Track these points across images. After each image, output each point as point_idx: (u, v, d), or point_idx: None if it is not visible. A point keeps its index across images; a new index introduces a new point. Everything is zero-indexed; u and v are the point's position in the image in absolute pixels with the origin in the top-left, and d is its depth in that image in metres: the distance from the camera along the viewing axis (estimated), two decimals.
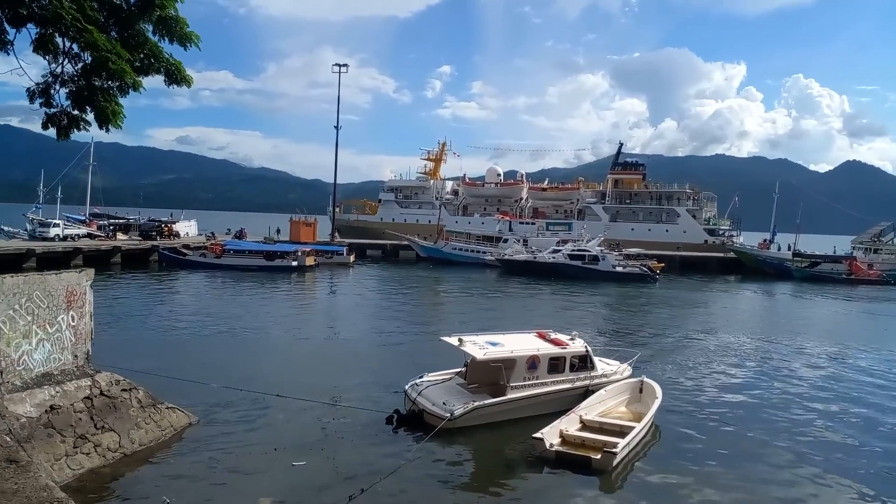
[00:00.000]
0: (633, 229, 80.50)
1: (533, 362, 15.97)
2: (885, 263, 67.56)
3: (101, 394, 12.38)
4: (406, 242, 72.71)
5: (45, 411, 11.19)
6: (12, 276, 11.56)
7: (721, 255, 75.14)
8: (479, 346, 15.64)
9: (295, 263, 52.37)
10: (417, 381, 16.18)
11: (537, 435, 13.37)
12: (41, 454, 10.31)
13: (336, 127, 73.83)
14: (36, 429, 10.84)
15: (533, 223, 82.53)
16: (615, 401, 16.65)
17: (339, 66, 72.31)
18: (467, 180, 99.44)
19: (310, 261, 54.18)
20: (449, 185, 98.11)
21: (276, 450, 12.99)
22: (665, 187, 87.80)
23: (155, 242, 57.21)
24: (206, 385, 15.81)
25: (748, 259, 71.41)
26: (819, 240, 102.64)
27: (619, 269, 57.30)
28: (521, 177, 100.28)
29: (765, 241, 76.86)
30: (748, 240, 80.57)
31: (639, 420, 15.08)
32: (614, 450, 12.93)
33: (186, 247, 57.21)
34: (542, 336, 17.50)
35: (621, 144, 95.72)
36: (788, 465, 13.78)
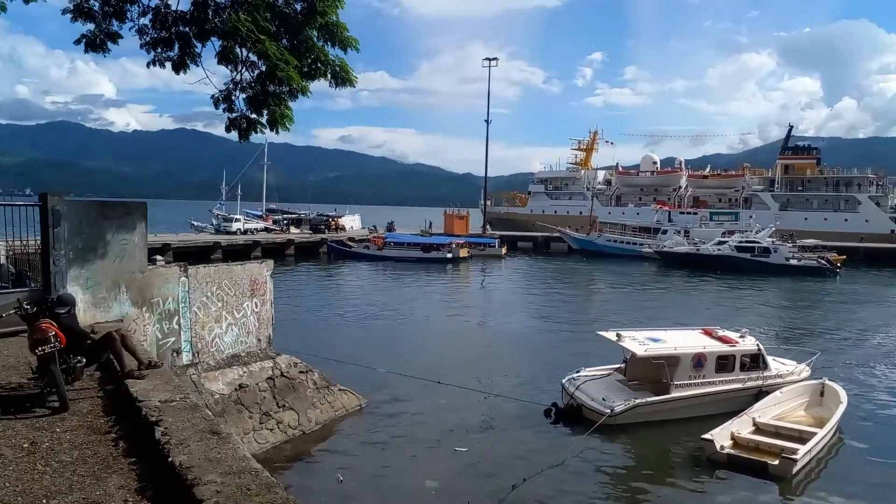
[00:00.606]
0: (806, 219, 73.58)
1: (699, 360, 15.22)
2: None
3: (282, 375, 13.47)
4: (557, 234, 71.83)
5: (235, 389, 12.37)
6: (205, 267, 12.86)
7: None
8: (640, 342, 15.16)
9: (449, 255, 53.68)
10: (575, 375, 15.97)
11: (707, 436, 12.72)
12: (233, 428, 11.42)
13: (486, 121, 74.60)
14: (227, 405, 12.02)
15: (694, 213, 78.12)
16: (793, 404, 15.47)
17: (489, 60, 72.96)
18: (620, 169, 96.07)
19: (463, 253, 55.29)
20: (601, 174, 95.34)
21: (440, 434, 13.43)
22: (843, 172, 79.37)
23: (324, 235, 61.26)
24: (373, 370, 16.67)
25: None
26: None
27: (793, 261, 52.68)
28: (680, 164, 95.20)
29: None
30: None
31: (820, 426, 13.91)
32: (794, 456, 12.03)
33: (351, 239, 60.59)
34: (708, 333, 16.62)
35: (791, 127, 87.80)
36: None
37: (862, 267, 58.64)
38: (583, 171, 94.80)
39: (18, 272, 10.40)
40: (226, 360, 12.78)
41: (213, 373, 12.28)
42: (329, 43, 10.07)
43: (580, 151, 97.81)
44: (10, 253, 11.70)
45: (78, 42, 10.20)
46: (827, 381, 16.18)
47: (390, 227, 70.60)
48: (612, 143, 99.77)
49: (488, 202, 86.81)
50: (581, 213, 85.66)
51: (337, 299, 33.11)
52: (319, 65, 10.20)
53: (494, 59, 73.23)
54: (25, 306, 6.75)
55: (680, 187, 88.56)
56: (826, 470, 12.62)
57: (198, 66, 10.19)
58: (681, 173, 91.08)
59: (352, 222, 73.74)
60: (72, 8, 9.86)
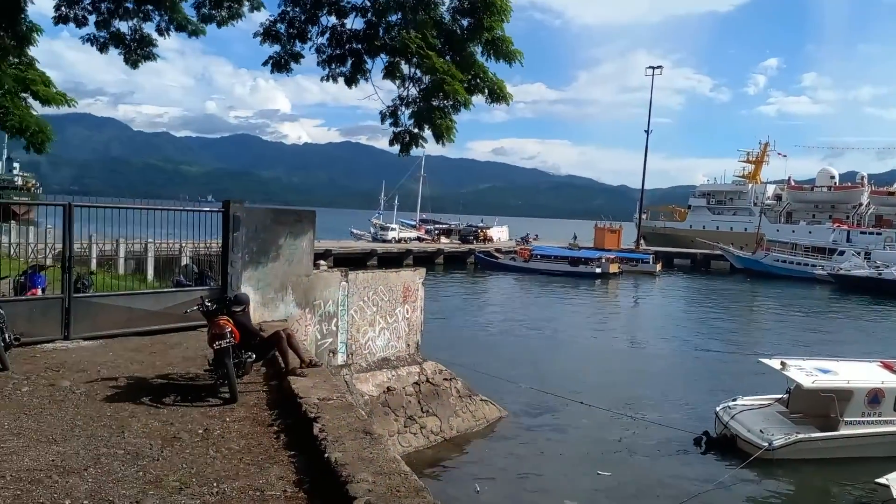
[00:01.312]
0: None
1: (875, 396, 13.81)
2: None
3: (427, 381, 13.90)
4: (719, 252, 67.75)
5: (383, 392, 12.95)
6: (363, 273, 13.62)
7: None
8: (807, 373, 14.00)
9: (598, 270, 52.44)
10: (731, 403, 15.08)
11: (881, 480, 11.44)
12: (380, 429, 11.99)
13: (647, 131, 72.14)
14: (375, 406, 12.62)
15: (878, 233, 70.35)
16: None
17: (653, 68, 70.77)
18: (793, 183, 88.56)
19: (613, 268, 53.76)
20: (770, 189, 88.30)
21: (581, 454, 13.21)
22: None
23: (472, 246, 62.37)
24: (515, 384, 16.72)
25: None
26: None
27: None
28: (862, 179, 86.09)
29: None
30: None
31: None
32: None
33: (498, 251, 61.12)
34: (888, 367, 15.02)
35: None
36: None
37: None
38: (750, 185, 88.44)
39: (201, 272, 11.55)
40: (376, 363, 13.42)
41: (364, 374, 12.94)
42: (494, 57, 10.36)
43: (748, 163, 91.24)
44: (194, 254, 13.08)
45: (265, 63, 11.34)
46: None
47: (525, 239, 70.32)
48: (784, 156, 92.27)
49: (644, 216, 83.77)
50: (746, 229, 79.98)
51: (482, 310, 33.55)
52: (479, 80, 10.53)
53: (659, 67, 71.01)
54: (207, 303, 7.50)
55: (861, 204, 79.96)
56: None
57: (367, 81, 10.95)
58: (862, 189, 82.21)
59: (500, 234, 74.35)
60: (261, 31, 11.00)
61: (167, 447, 5.42)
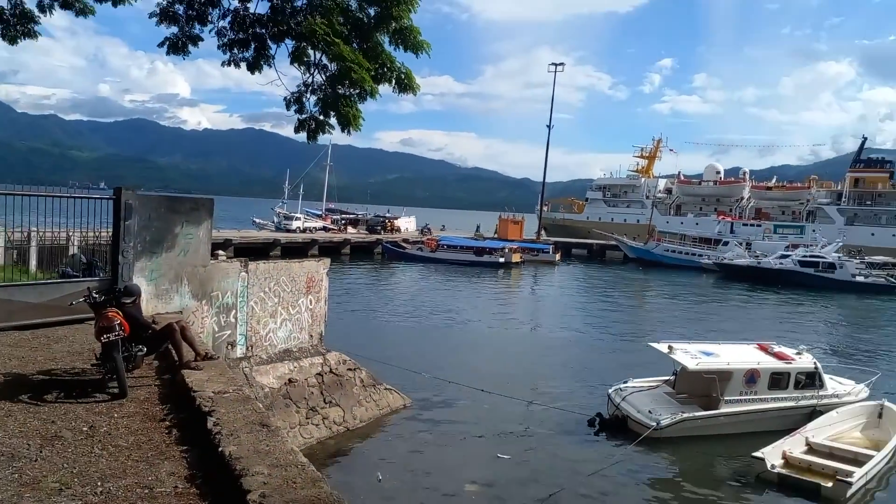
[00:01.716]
0: (873, 234, 70.39)
1: (752, 376, 14.91)
2: None
3: (331, 371, 13.81)
4: (613, 242, 70.91)
5: (285, 384, 12.76)
6: (264, 263, 13.31)
7: None
8: (692, 355, 14.92)
9: (502, 260, 53.69)
10: (622, 385, 15.84)
11: (757, 454, 12.45)
12: (280, 422, 11.80)
13: (548, 126, 74.21)
14: (276, 398, 12.41)
15: (758, 225, 75.72)
16: (848, 425, 14.98)
17: (556, 65, 72.77)
18: (682, 178, 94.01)
19: (516, 258, 55.24)
20: (661, 183, 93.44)
21: (482, 440, 13.53)
22: None
23: (379, 236, 62.16)
24: (419, 373, 16.90)
25: None
26: None
27: (859, 278, 50.69)
28: (744, 175, 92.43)
29: None
30: None
31: (877, 448, 13.46)
32: (849, 479, 11.70)
33: (406, 241, 61.27)
34: (763, 349, 16.25)
35: (864, 139, 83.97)
36: None
37: None
38: (643, 179, 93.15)
39: (89, 262, 10.94)
40: (278, 355, 13.19)
41: (264, 366, 12.69)
42: (401, 47, 10.32)
43: (642, 159, 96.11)
44: (83, 243, 12.36)
45: (161, 45, 10.78)
46: (886, 403, 15.60)
47: (426, 230, 70.85)
48: (675, 152, 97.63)
49: (545, 208, 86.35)
50: (638, 221, 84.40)
51: (388, 300, 33.58)
52: (386, 70, 10.47)
53: (561, 64, 73.06)
54: (94, 295, 7.12)
55: (743, 198, 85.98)
56: (882, 495, 12.22)
57: (270, 67, 10.64)
58: (744, 184, 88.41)
59: (407, 224, 74.51)
60: (158, 12, 10.45)
61: (47, 447, 5.12)
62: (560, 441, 13.83)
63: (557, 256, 61.64)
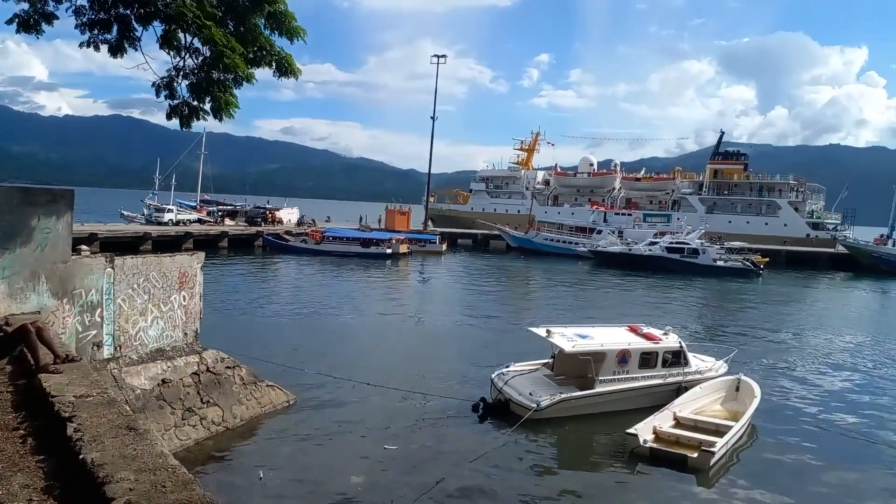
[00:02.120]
0: (730, 221, 76.88)
1: (623, 356, 15.75)
2: None
3: (208, 370, 13.26)
4: (497, 232, 72.80)
5: (158, 384, 12.12)
6: (132, 258, 12.55)
7: (831, 250, 70.50)
8: (568, 339, 15.56)
9: (389, 251, 53.64)
10: (504, 370, 16.27)
11: (631, 430, 13.19)
12: (153, 424, 11.20)
13: (432, 118, 74.70)
14: (149, 400, 11.77)
15: (629, 214, 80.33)
16: (710, 399, 16.17)
17: (438, 57, 73.03)
18: (558, 170, 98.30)
19: (403, 249, 55.37)
20: (540, 175, 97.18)
21: (368, 432, 13.47)
22: (766, 178, 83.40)
23: (260, 228, 60.18)
24: (302, 369, 16.61)
25: (862, 255, 66.44)
26: None
27: (720, 263, 55.06)
28: (615, 167, 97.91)
29: (882, 236, 71.42)
30: (862, 235, 75.00)
31: (735, 419, 14.60)
32: (712, 449, 12.62)
33: (288, 233, 59.72)
34: (633, 330, 17.20)
35: (722, 133, 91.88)
36: (890, 472, 12.99)
37: (783, 268, 61.71)
38: (523, 171, 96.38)
39: None
40: (149, 355, 12.50)
41: (135, 367, 12.00)
42: (276, 32, 10.00)
43: (522, 151, 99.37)
44: None
45: (10, 22, 9.79)
46: (742, 377, 16.90)
47: (301, 222, 69.44)
48: (552, 145, 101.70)
49: (431, 199, 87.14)
50: (519, 211, 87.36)
51: (271, 294, 32.66)
52: (264, 53, 10.11)
53: (443, 56, 73.37)
54: None
55: (614, 189, 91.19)
56: (740, 461, 13.26)
57: (136, 50, 9.94)
58: (615, 175, 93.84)
59: (290, 215, 72.69)
60: None
61: None
62: (446, 428, 14.02)
63: (444, 247, 62.41)
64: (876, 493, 12.22)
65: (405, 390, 16.00)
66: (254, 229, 59.53)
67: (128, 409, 6.19)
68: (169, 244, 45.82)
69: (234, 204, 75.86)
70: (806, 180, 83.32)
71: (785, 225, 77.10)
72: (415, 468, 11.91)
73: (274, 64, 10.14)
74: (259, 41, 9.88)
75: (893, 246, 68.95)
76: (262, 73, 10.37)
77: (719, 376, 17.15)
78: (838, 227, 77.30)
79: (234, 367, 14.02)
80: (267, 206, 73.60)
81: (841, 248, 69.17)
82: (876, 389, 19.76)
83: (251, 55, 9.83)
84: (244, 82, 9.93)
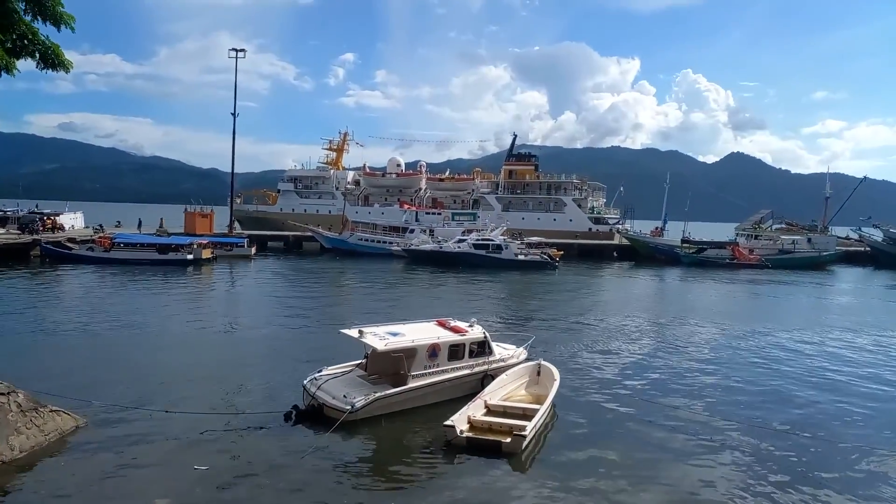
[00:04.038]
0: (523, 218, 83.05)
1: (433, 350, 16.19)
2: (764, 249, 72.94)
3: None
4: (309, 233, 71.59)
5: None
6: None
7: (616, 242, 78.76)
8: (380, 337, 15.68)
9: (190, 257, 50.41)
10: (316, 375, 16.00)
11: (448, 422, 13.55)
12: None
13: (233, 114, 71.23)
14: None
15: (439, 213, 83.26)
16: (515, 385, 17.12)
17: (237, 51, 69.82)
18: (367, 170, 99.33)
19: (206, 253, 52.32)
20: (350, 175, 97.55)
21: (173, 454, 12.54)
22: (553, 178, 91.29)
23: (36, 236, 53.48)
24: (93, 390, 15.08)
25: (641, 246, 75.07)
26: (707, 227, 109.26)
27: (521, 257, 58.99)
28: (421, 167, 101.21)
29: (657, 228, 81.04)
30: (642, 227, 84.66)
31: (540, 402, 15.54)
32: (523, 433, 13.32)
33: (72, 240, 53.81)
34: (442, 324, 17.76)
35: (515, 136, 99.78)
36: (680, 440, 14.67)
37: (575, 260, 67.64)
38: (332, 171, 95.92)
39: None
40: None
41: None
42: (39, 18, 8.95)
43: (331, 151, 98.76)
44: None
45: None
46: (542, 362, 18.15)
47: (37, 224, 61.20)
48: (361, 145, 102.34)
49: (237, 199, 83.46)
50: (330, 212, 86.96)
51: (53, 309, 29.15)
52: (27, 42, 9.02)
53: (242, 50, 70.06)
54: None
55: (420, 189, 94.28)
56: (548, 441, 14.23)
57: None
58: (421, 176, 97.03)
59: (73, 221, 65.50)
60: None
61: None
62: (260, 441, 13.44)
63: (253, 250, 60.00)
64: (661, 447, 13.94)
65: (213, 406, 15.20)
66: (29, 237, 52.76)
67: None
68: None
69: (3, 209, 66.78)
70: (589, 179, 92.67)
71: (570, 220, 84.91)
72: (228, 485, 11.29)
73: (38, 55, 9.12)
74: (19, 28, 8.82)
75: (667, 237, 78.53)
76: (26, 64, 9.30)
77: (521, 363, 18.25)
78: (620, 221, 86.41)
79: (8, 392, 12.37)
80: (45, 210, 65.65)
81: (624, 241, 77.44)
82: (656, 360, 22.60)
83: (10, 44, 8.74)
84: (3, 72, 8.82)
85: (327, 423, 13.92)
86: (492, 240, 59.74)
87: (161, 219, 69.52)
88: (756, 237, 76.15)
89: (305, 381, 15.74)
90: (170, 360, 20.70)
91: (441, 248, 60.25)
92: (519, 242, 61.88)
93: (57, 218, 61.94)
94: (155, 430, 13.74)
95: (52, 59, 9.32)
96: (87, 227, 65.94)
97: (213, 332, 25.83)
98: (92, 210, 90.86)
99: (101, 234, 56.36)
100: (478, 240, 59.96)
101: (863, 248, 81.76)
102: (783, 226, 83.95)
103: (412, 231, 69.38)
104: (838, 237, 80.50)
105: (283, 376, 18.30)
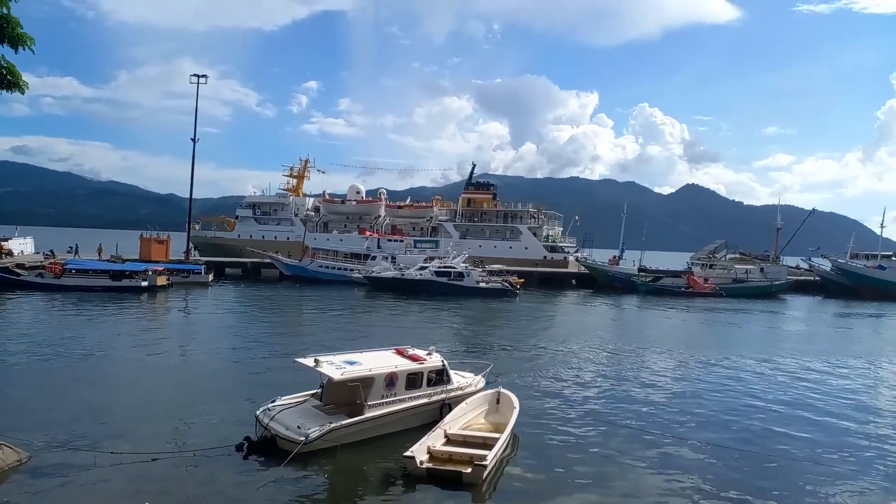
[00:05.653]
0: (480, 246, 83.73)
1: (391, 379, 16.01)
2: (718, 278, 74.68)
3: None
4: (269, 260, 70.75)
5: None
6: None
7: (576, 271, 79.76)
8: (337, 366, 15.46)
9: (145, 283, 49.30)
10: (269, 405, 15.62)
11: (408, 453, 13.35)
12: None
13: (193, 139, 70.44)
14: None
15: (400, 241, 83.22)
16: (475, 413, 16.97)
17: (198, 76, 69.31)
18: (327, 197, 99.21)
19: (161, 280, 51.18)
20: (310, 201, 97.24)
21: (121, 491, 12.11)
22: (510, 206, 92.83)
23: None
24: (38, 423, 14.54)
25: (599, 274, 76.12)
26: (662, 256, 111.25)
27: (482, 285, 59.21)
28: (381, 194, 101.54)
29: (614, 257, 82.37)
30: (600, 256, 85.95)
31: (500, 431, 15.41)
32: (484, 462, 13.18)
33: (20, 266, 52.14)
34: (400, 352, 17.64)
35: (474, 165, 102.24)
36: (639, 464, 14.83)
37: (535, 288, 68.19)
38: (291, 197, 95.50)
39: None
40: None
41: None
42: None
43: (292, 177, 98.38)
44: None
45: None
46: (502, 389, 18.07)
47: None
48: (323, 172, 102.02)
49: (196, 226, 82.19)
50: (289, 238, 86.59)
51: None
52: None
53: (204, 76, 69.53)
54: None
55: (380, 216, 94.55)
56: (508, 471, 14.12)
57: None
58: (381, 203, 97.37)
59: (22, 246, 63.53)
60: None
61: None
62: (212, 475, 13.00)
63: (210, 277, 58.91)
64: (621, 472, 14.07)
65: (163, 441, 14.73)
66: None
67: None
68: None
69: None
70: (545, 208, 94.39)
71: (526, 248, 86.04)
72: None
73: None
74: None
75: (624, 265, 79.84)
76: None
77: (479, 390, 18.18)
78: (577, 250, 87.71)
79: None
80: None
81: (582, 269, 78.43)
82: (615, 385, 22.94)
83: None
84: None
85: (281, 455, 13.62)
86: (453, 267, 59.87)
87: (75, 245, 68.00)
88: (710, 266, 77.91)
89: (258, 412, 15.38)
90: (119, 391, 20.09)
91: (403, 275, 60.10)
92: (480, 270, 62.18)
93: (5, 243, 60.04)
94: (104, 462, 13.26)
95: (7, 80, 9.15)
96: (37, 253, 64.05)
97: (165, 362, 25.09)
98: (45, 235, 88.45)
99: (52, 261, 54.81)
100: (439, 267, 60.01)
101: (813, 278, 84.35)
102: (737, 255, 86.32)
103: (374, 258, 69.11)
104: (789, 267, 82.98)
105: (236, 407, 17.82)
